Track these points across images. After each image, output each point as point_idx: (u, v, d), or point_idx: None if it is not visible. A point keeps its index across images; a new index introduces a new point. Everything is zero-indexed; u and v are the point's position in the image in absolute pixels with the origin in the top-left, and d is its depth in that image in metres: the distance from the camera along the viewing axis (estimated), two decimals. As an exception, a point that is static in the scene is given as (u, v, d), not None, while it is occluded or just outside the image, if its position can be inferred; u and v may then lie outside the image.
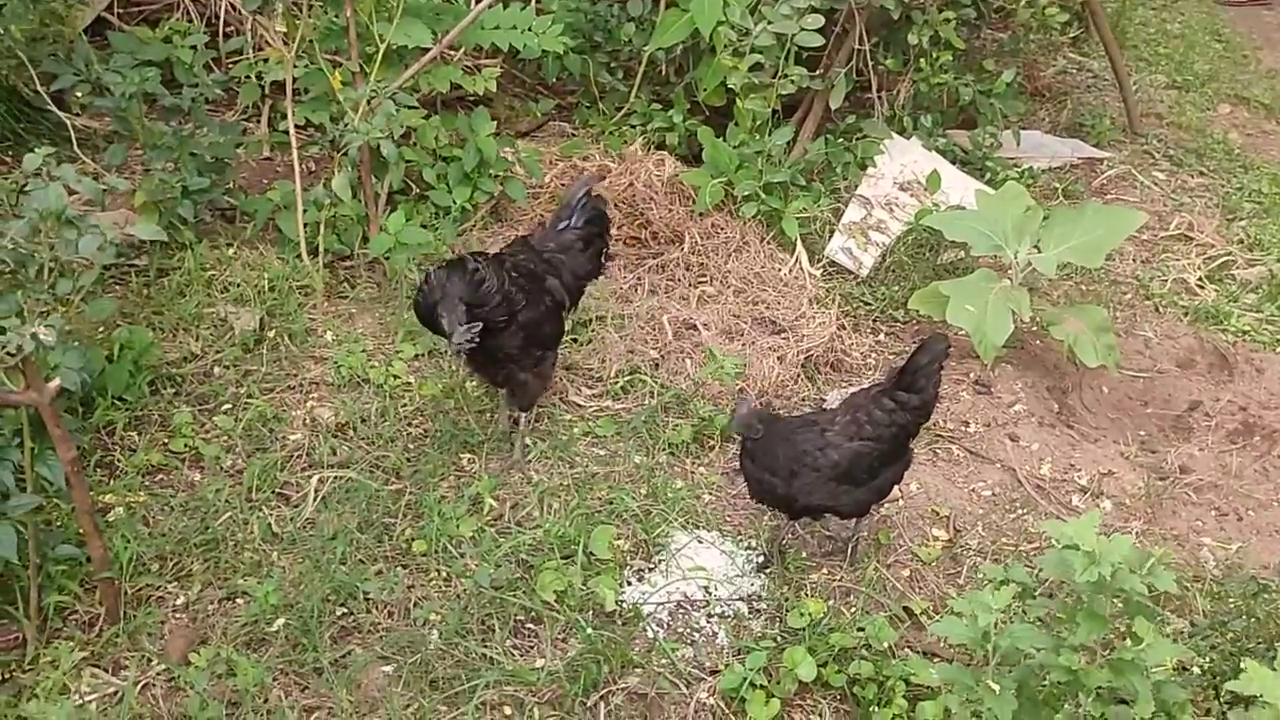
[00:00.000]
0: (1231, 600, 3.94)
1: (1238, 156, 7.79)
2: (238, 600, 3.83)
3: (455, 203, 5.81)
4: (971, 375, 5.32)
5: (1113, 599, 2.65)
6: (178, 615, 3.79)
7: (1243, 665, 3.14)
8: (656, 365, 5.13)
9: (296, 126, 5.48)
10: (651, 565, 4.15)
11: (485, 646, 3.69)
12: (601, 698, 3.60)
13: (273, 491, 4.27)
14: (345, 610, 3.82)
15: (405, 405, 4.74)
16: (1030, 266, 5.10)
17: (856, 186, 6.31)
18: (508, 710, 3.53)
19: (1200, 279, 6.29)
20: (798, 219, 5.93)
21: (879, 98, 6.68)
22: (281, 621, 3.72)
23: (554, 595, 3.85)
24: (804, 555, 4.26)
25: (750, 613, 4.02)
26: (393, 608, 3.85)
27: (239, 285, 5.22)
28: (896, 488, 4.57)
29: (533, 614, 3.82)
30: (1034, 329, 5.60)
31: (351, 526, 4.12)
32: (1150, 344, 5.77)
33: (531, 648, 3.76)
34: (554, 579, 3.87)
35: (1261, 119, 8.57)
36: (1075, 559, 2.57)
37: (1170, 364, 5.68)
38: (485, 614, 3.81)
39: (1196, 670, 3.39)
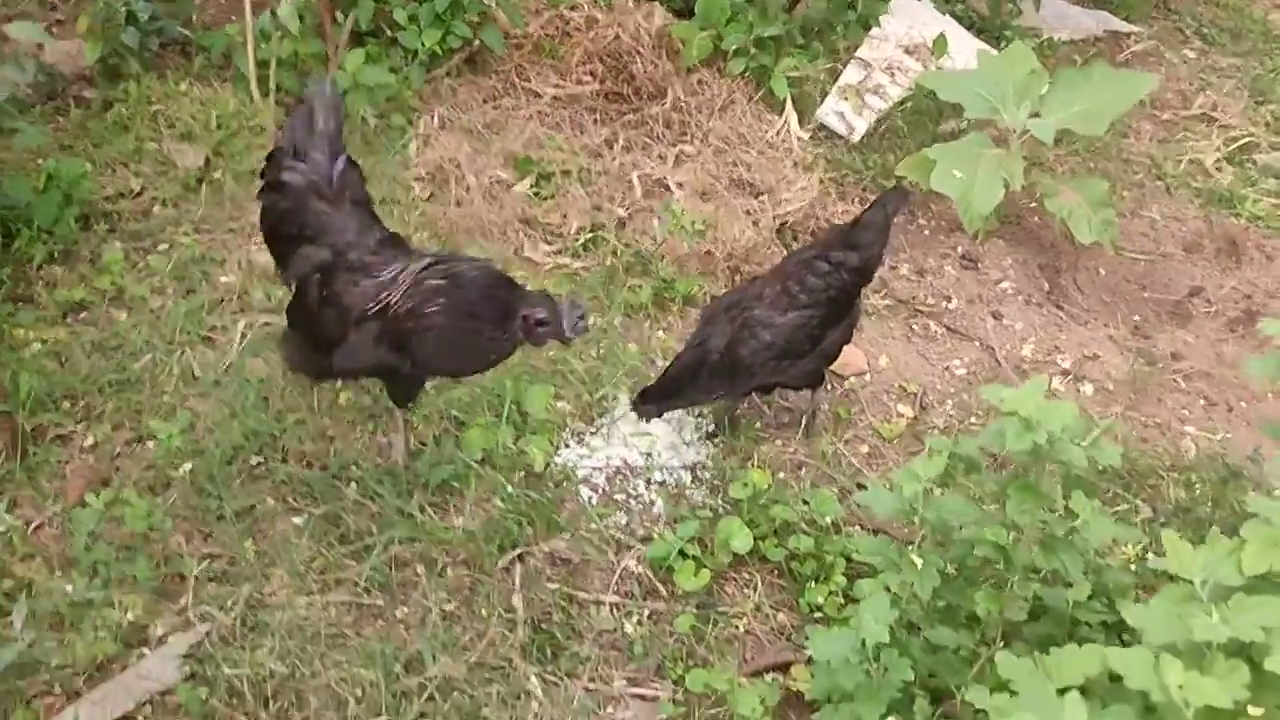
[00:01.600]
0: (1200, 487, 3.68)
1: (1276, 38, 7.29)
2: (147, 444, 3.63)
3: (424, 45, 5.44)
4: (959, 249, 5.00)
5: (1050, 471, 2.39)
6: (83, 456, 3.60)
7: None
8: (622, 224, 4.83)
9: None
10: (593, 429, 3.92)
11: (402, 501, 3.48)
12: (519, 559, 3.40)
13: (198, 335, 4.04)
14: (260, 460, 3.61)
15: (349, 253, 4.47)
16: (1028, 134, 4.73)
17: (857, 47, 5.90)
18: (419, 568, 3.33)
19: (1218, 161, 5.89)
20: (789, 78, 5.53)
21: (888, -47, 6.19)
22: (188, 466, 3.52)
23: (480, 453, 3.63)
24: (757, 426, 4.02)
25: (693, 482, 3.80)
26: (311, 459, 3.63)
27: (186, 121, 4.92)
28: (864, 361, 4.34)
29: (457, 472, 3.60)
30: (1032, 205, 5.26)
31: (277, 374, 3.88)
32: (1156, 225, 5.42)
33: (453, 506, 3.55)
34: (481, 436, 3.65)
35: (1305, -1, 8.01)
36: (1010, 425, 2.30)
37: (1175, 247, 5.33)
38: (407, 470, 3.59)
39: (1152, 557, 3.14)
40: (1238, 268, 5.23)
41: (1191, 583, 1.76)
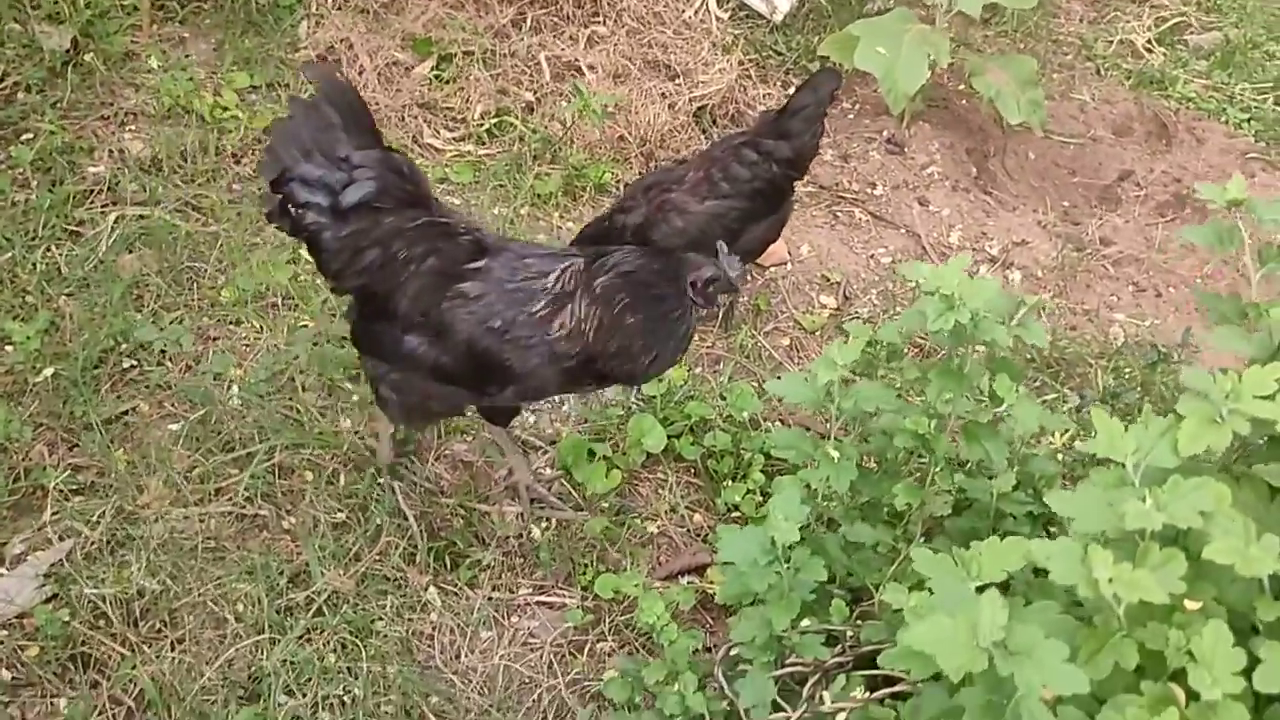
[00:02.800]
0: (1129, 372, 3.55)
1: (1208, -85, 7.07)
2: (6, 348, 3.32)
3: (316, -84, 5.03)
4: (884, 133, 4.78)
5: (975, 354, 2.21)
6: (-67, 362, 3.29)
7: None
8: (530, 108, 4.54)
9: None
10: (498, 324, 3.67)
11: (290, 404, 3.23)
12: (415, 462, 3.17)
13: (63, 229, 3.71)
14: (133, 363, 3.33)
15: (232, 138, 4.14)
16: (955, 11, 4.49)
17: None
18: (308, 475, 3.10)
19: (1149, 41, 5.71)
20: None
21: None
22: (50, 371, 3.23)
23: (375, 351, 3.38)
24: (673, 319, 3.80)
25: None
26: (190, 361, 3.36)
27: (53, 2, 4.50)
28: (785, 250, 4.13)
29: (349, 372, 3.35)
30: (960, 87, 5.05)
31: (151, 272, 3.58)
32: (1086, 108, 5.24)
33: (346, 410, 3.30)
34: (375, 333, 3.39)
35: None
36: (931, 304, 2.11)
37: (1105, 130, 5.17)
38: (298, 370, 3.33)
39: (1079, 446, 3.01)
40: (1168, 151, 5.09)
41: (1123, 465, 1.59)
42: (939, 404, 2.18)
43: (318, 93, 2.62)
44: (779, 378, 3.52)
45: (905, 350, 2.47)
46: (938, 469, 2.23)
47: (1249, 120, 5.24)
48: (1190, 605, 1.49)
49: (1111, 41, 5.67)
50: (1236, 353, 1.93)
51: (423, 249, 2.60)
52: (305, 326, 3.48)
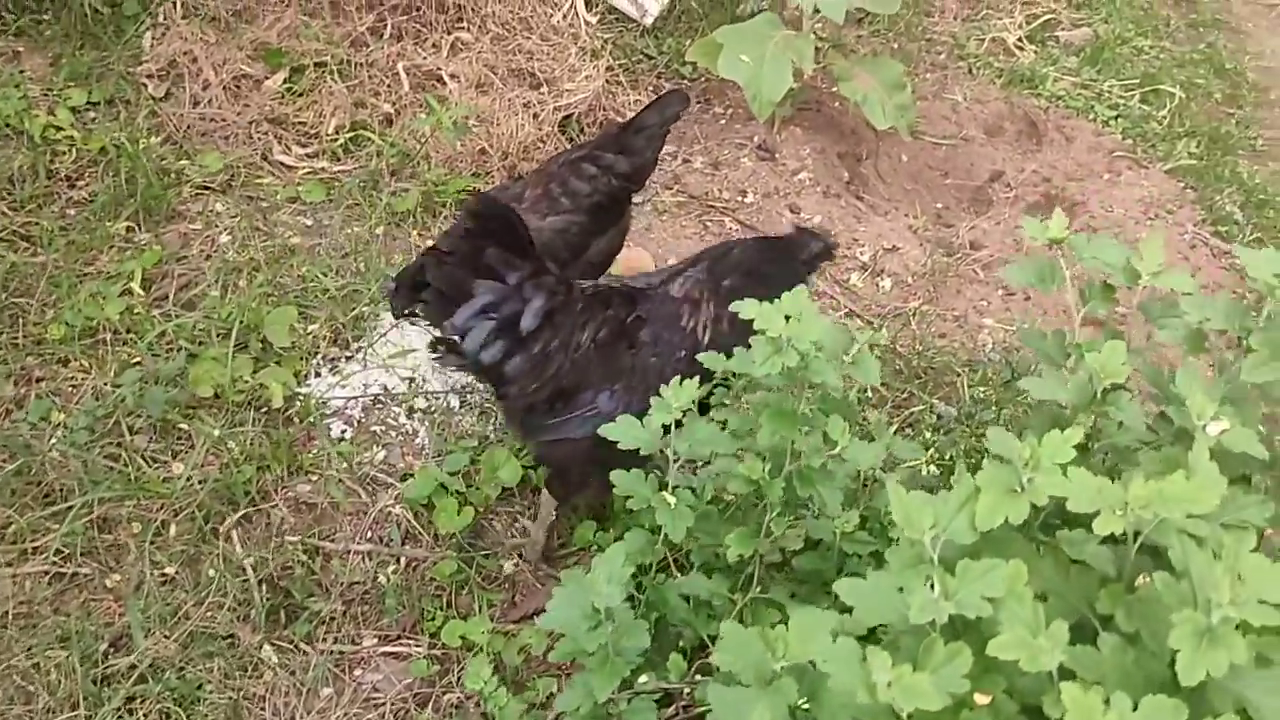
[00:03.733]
0: (992, 385, 3.53)
1: (1081, -94, 7.14)
2: None
3: (161, -79, 4.79)
4: (755, 139, 4.70)
5: (807, 393, 2.13)
6: None
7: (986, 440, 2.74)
8: (388, 121, 4.38)
9: None
10: (349, 354, 3.52)
11: (117, 450, 3.05)
12: (254, 510, 3.01)
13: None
14: (-55, 409, 3.12)
15: (66, 162, 3.91)
16: (818, 14, 4.42)
17: (650, -79, 5.48)
18: (135, 527, 2.92)
19: (1020, 39, 5.72)
20: (575, -47, 5.08)
21: None
22: None
23: (211, 390, 3.21)
24: (534, 341, 3.68)
25: (461, 406, 3.45)
26: (10, 406, 3.15)
27: None
28: (651, 263, 4.03)
29: (183, 412, 3.17)
30: (831, 89, 4.99)
31: (-29, 299, 3.37)
32: (958, 108, 5.22)
33: (180, 452, 3.13)
34: (212, 370, 3.22)
35: None
36: (757, 347, 2.02)
37: (977, 130, 5.15)
38: (124, 410, 3.14)
39: (934, 470, 2.96)
40: (1038, 150, 5.10)
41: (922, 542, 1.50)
42: (771, 447, 2.10)
43: (474, 220, 2.58)
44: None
45: (740, 391, 2.37)
46: (773, 515, 2.15)
47: (1116, 118, 5.27)
48: (980, 699, 1.41)
49: (984, 40, 5.67)
50: (1057, 398, 1.88)
51: (593, 326, 2.69)
52: (137, 364, 3.28)
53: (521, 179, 3.43)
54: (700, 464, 2.50)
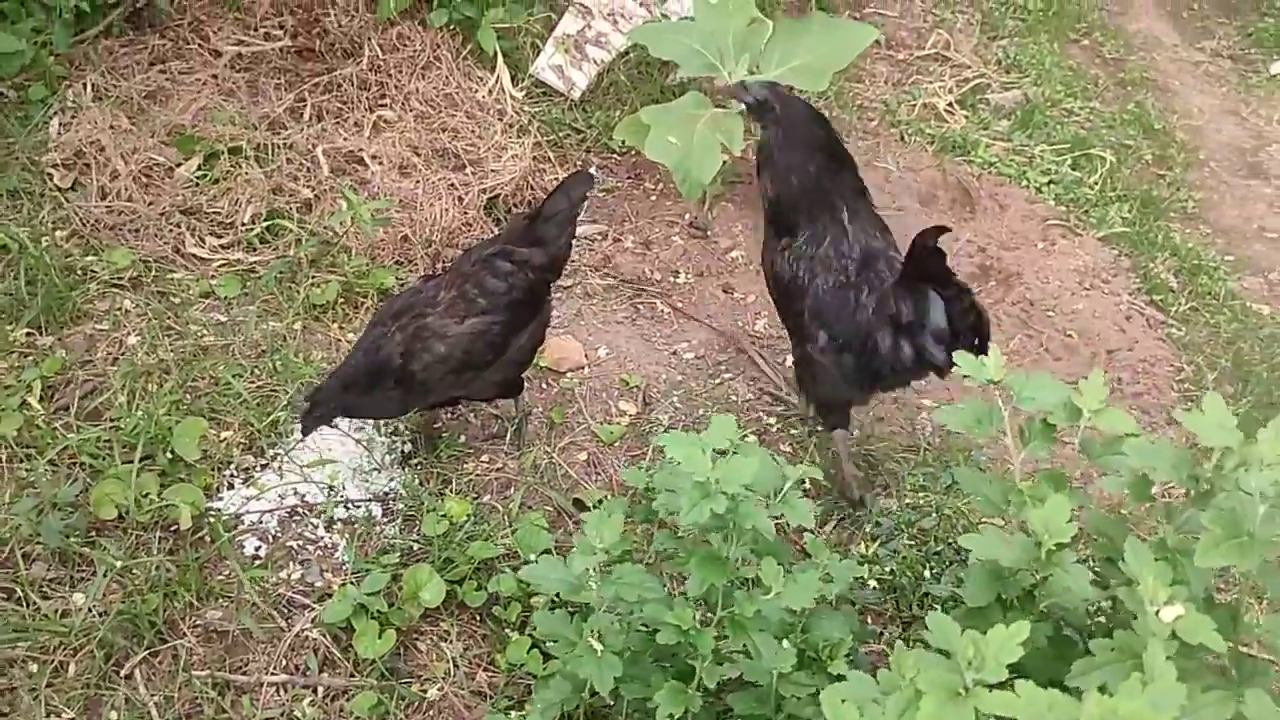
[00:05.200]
0: (941, 490, 3.43)
1: (1007, -35, 7.20)
2: None
3: (68, 2, 4.61)
4: (686, 216, 4.62)
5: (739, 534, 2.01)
6: None
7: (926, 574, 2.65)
8: (307, 207, 4.23)
9: None
10: (264, 462, 3.36)
11: (12, 585, 2.86)
12: (161, 640, 2.83)
13: None
14: None
15: (-37, 262, 3.73)
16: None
17: (577, -7, 5.42)
18: (33, 667, 2.73)
19: (950, 104, 5.71)
20: (497, 29, 4.99)
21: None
22: None
23: (114, 511, 3.03)
24: (461, 440, 3.55)
25: (384, 515, 3.30)
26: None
27: None
28: (581, 353, 3.92)
29: (83, 537, 2.99)
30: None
31: None
32: (892, 177, 5.18)
33: (82, 580, 2.94)
34: (116, 490, 3.04)
35: (1034, -72, 7.98)
36: (685, 493, 1.91)
37: (911, 200, 5.11)
38: (19, 538, 2.95)
39: (874, 584, 2.86)
40: (972, 218, 5.06)
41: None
42: (701, 595, 1.98)
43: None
44: (579, 500, 3.37)
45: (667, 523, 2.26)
46: (705, 664, 2.03)
47: (1049, 183, 5.26)
48: None
49: (915, 105, 5.65)
50: (999, 559, 1.78)
51: None
52: (34, 486, 3.10)
53: (433, 279, 3.31)
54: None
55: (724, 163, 4.29)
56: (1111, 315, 4.48)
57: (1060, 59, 6.29)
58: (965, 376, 2.09)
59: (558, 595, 2.13)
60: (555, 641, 2.14)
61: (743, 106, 3.56)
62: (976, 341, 2.90)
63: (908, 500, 3.49)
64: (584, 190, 3.37)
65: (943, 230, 3.02)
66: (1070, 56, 6.43)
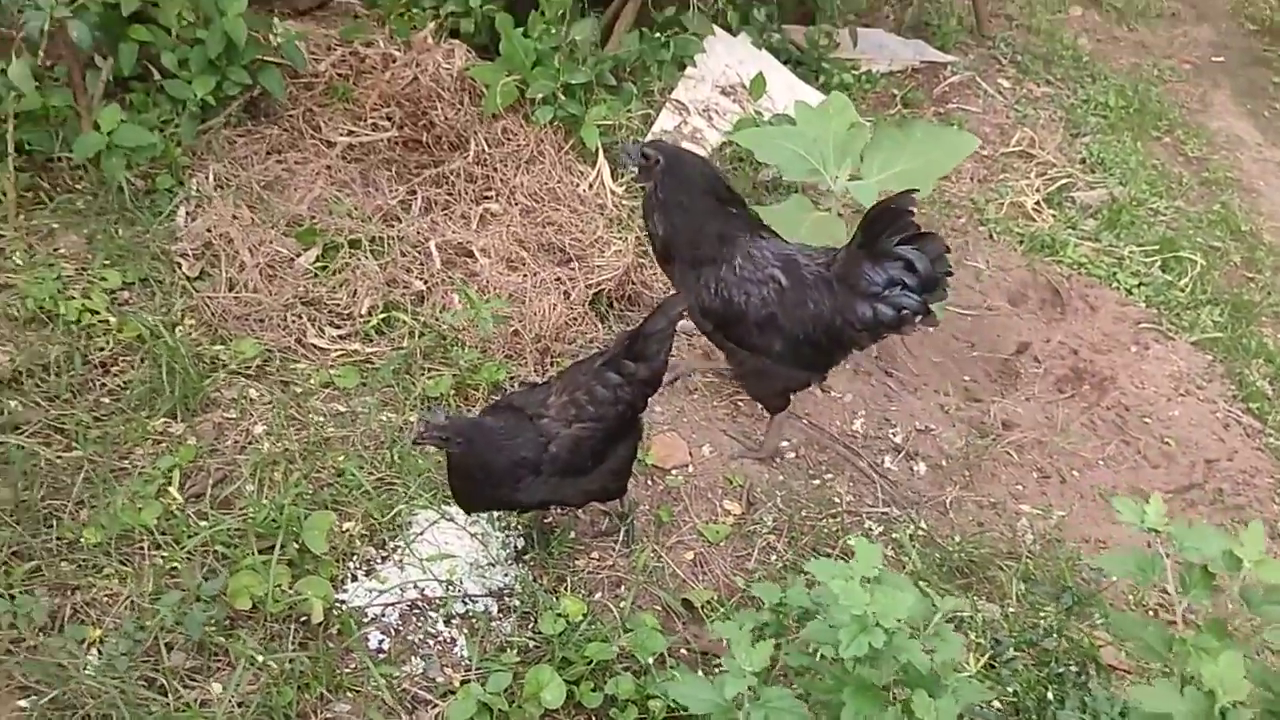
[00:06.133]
0: (1045, 602, 3.46)
1: (1086, 65, 7.33)
2: None
3: (195, 95, 4.84)
4: (783, 314, 4.71)
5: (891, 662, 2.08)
6: None
7: (1050, 695, 2.68)
8: (421, 299, 4.38)
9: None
10: (385, 554, 3.46)
11: (155, 673, 2.97)
12: (294, 737, 2.93)
13: (-100, 462, 3.42)
14: (-21, 626, 3.04)
15: (101, 349, 3.90)
16: (848, 193, 4.48)
17: (672, 90, 5.59)
18: (174, 758, 2.83)
19: (1038, 203, 5.80)
20: (600, 127, 5.16)
21: (703, -13, 5.89)
22: (-114, 649, 2.93)
23: (249, 602, 3.14)
24: (572, 536, 3.64)
25: (500, 612, 3.39)
26: (45, 620, 3.08)
27: (-90, 190, 4.24)
28: (687, 451, 4.01)
29: (222, 627, 3.10)
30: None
31: (4, 512, 3.30)
32: (982, 276, 5.27)
33: (218, 670, 3.05)
34: (250, 582, 3.16)
35: (1113, 24, 8.13)
36: (842, 623, 1.98)
37: (1001, 299, 5.19)
38: (161, 629, 3.07)
39: (997, 705, 2.90)
40: (1062, 319, 5.12)
41: None
42: (853, 724, 2.05)
43: None
44: (686, 600, 3.43)
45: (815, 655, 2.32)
46: (855, 794, 2.08)
47: (1139, 285, 5.32)
48: None
49: (1002, 204, 5.74)
50: (1172, 713, 1.82)
51: None
52: (174, 573, 3.22)
53: (547, 383, 3.43)
54: None
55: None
56: (1208, 423, 4.51)
57: (1144, 157, 6.39)
58: (1126, 522, 2.13)
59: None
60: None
61: (635, 170, 3.96)
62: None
63: (1012, 609, 3.53)
64: (680, 309, 3.50)
65: (909, 194, 3.63)
66: (1153, 155, 6.52)
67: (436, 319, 4.26)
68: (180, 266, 4.28)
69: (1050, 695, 2.83)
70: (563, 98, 5.17)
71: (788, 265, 3.78)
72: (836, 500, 3.94)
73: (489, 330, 4.07)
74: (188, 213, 4.56)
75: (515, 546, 3.57)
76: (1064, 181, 5.97)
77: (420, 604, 3.35)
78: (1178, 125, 6.90)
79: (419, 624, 3.31)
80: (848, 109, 4.66)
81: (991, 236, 5.52)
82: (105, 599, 3.17)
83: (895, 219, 3.62)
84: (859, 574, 2.05)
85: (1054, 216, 5.71)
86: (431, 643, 3.27)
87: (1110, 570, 2.23)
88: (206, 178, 4.72)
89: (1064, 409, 4.59)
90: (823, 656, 2.31)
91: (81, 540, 3.29)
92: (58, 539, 3.30)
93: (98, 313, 4.00)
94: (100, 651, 3.00)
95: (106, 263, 4.20)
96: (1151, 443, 4.42)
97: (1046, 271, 5.31)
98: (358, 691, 3.07)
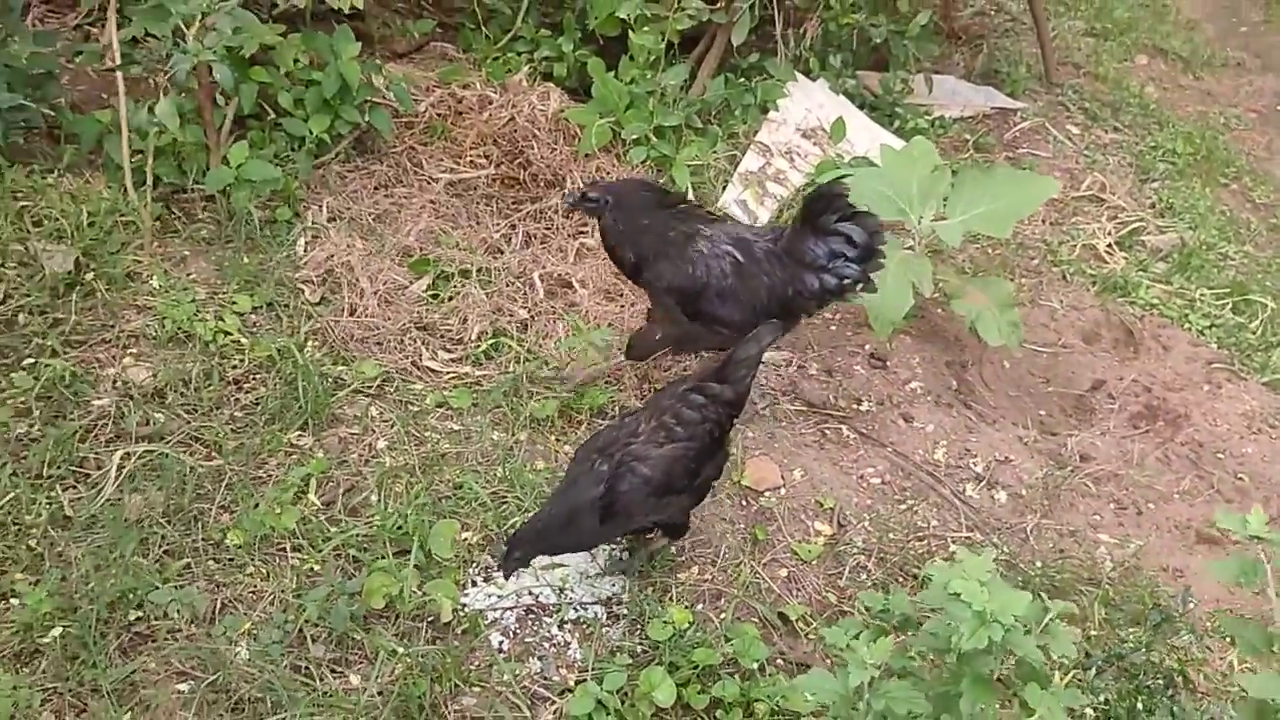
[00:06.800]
0: (1126, 625, 3.64)
1: (1153, 112, 7.49)
2: (10, 600, 3.30)
3: (312, 133, 5.18)
4: (867, 348, 4.93)
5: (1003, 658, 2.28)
6: (-62, 619, 3.26)
7: (1139, 706, 2.85)
8: (525, 327, 4.65)
9: (135, 39, 4.82)
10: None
11: (301, 663, 3.22)
12: (427, 726, 3.17)
13: (68, 467, 3.72)
14: (139, 615, 3.31)
15: (235, 367, 4.19)
16: (934, 233, 4.70)
17: (756, 132, 5.85)
18: (320, 741, 3.08)
19: (1110, 245, 5.97)
20: (689, 167, 5.44)
21: (785, 35, 6.16)
22: (58, 631, 3.20)
23: (383, 601, 3.39)
24: (672, 550, 3.85)
25: (609, 618, 3.61)
26: (196, 613, 3.34)
27: (55, 218, 4.57)
28: (779, 474, 4.22)
29: (360, 623, 3.35)
30: (934, 296, 5.22)
31: (157, 513, 3.59)
32: (1056, 315, 5.44)
33: (356, 662, 3.30)
34: (384, 582, 3.41)
35: (1179, 72, 8.29)
36: (962, 618, 2.19)
37: (1075, 338, 5.36)
38: (305, 622, 3.32)
39: (1090, 713, 3.08)
40: (1135, 358, 5.28)
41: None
42: (973, 715, 2.24)
43: None
44: (782, 614, 3.63)
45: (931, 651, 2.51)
46: (970, 777, 2.28)
47: (1210, 327, 5.47)
48: None
49: (1075, 246, 5.92)
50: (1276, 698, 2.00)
51: None
52: (313, 571, 3.49)
53: (634, 413, 3.66)
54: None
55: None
56: (1282, 465, 4.65)
57: (1212, 203, 6.53)
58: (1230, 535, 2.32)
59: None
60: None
61: (572, 207, 4.35)
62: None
63: (1094, 632, 3.70)
64: (773, 338, 3.72)
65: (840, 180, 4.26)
66: (1221, 201, 6.67)
67: (540, 345, 4.52)
68: (304, 292, 4.57)
69: (1140, 706, 3.00)
70: (654, 139, 5.44)
71: (740, 244, 4.19)
72: (922, 525, 4.13)
73: (600, 354, 4.32)
74: (305, 243, 4.86)
75: (619, 559, 3.80)
76: (1135, 225, 6.14)
77: (535, 609, 3.58)
78: (1245, 172, 7.04)
79: (534, 628, 3.54)
80: (930, 152, 4.89)
81: (1065, 277, 5.70)
82: (250, 595, 3.43)
83: (833, 200, 4.14)
84: (975, 576, 2.26)
85: (1125, 259, 5.88)
86: (547, 645, 3.50)
87: (1217, 573, 2.42)
88: (321, 210, 5.03)
89: (1139, 444, 4.75)
90: (930, 657, 2.51)
91: (226, 541, 3.56)
92: (204, 540, 3.58)
93: (230, 334, 4.30)
94: (251, 641, 3.26)
95: (236, 287, 4.50)
96: (1225, 478, 4.57)
97: (1119, 312, 5.48)
98: (484, 686, 3.30)
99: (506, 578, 3.49)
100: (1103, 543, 4.22)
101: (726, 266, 4.14)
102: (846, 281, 4.16)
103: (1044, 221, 6.14)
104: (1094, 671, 3.16)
